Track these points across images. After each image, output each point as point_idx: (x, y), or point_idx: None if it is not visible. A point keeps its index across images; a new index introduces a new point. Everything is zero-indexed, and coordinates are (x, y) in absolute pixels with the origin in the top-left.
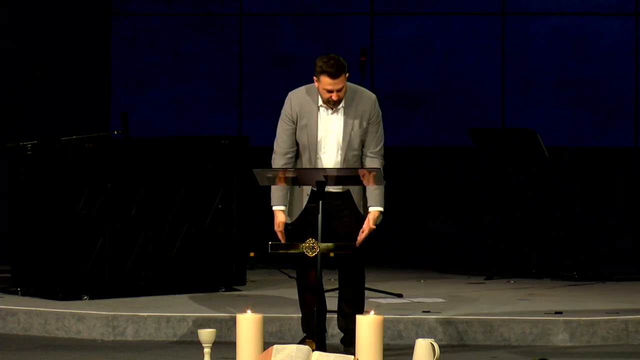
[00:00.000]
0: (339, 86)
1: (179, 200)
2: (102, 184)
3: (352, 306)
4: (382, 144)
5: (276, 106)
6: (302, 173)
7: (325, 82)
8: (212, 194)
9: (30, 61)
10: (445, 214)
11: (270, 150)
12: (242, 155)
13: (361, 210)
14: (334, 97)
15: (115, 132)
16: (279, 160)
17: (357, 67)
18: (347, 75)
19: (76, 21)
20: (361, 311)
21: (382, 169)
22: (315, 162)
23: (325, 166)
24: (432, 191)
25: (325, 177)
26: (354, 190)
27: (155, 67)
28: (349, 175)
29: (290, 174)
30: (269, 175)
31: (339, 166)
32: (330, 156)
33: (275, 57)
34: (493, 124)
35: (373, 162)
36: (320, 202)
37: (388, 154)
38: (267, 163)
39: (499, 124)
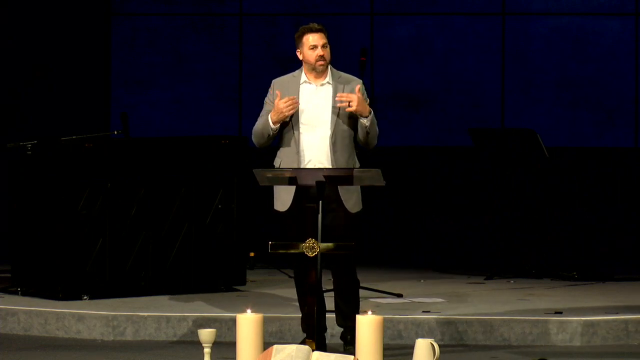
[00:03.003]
0: (323, 41)
1: (179, 200)
2: (102, 184)
3: (348, 303)
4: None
5: None
6: (301, 173)
7: (309, 39)
8: (212, 194)
9: (30, 61)
10: (445, 214)
11: (270, 150)
12: (242, 155)
13: (348, 207)
14: (321, 52)
15: (115, 132)
16: (255, 125)
17: (357, 67)
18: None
19: (76, 21)
20: (357, 307)
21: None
22: (299, 138)
23: (311, 142)
24: (432, 191)
25: (325, 177)
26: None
27: (155, 67)
28: (347, 175)
29: (289, 174)
30: (269, 175)
31: (327, 142)
32: (318, 131)
33: (275, 57)
34: (493, 124)
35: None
36: (320, 202)
37: (388, 154)
38: (267, 163)
39: (499, 124)
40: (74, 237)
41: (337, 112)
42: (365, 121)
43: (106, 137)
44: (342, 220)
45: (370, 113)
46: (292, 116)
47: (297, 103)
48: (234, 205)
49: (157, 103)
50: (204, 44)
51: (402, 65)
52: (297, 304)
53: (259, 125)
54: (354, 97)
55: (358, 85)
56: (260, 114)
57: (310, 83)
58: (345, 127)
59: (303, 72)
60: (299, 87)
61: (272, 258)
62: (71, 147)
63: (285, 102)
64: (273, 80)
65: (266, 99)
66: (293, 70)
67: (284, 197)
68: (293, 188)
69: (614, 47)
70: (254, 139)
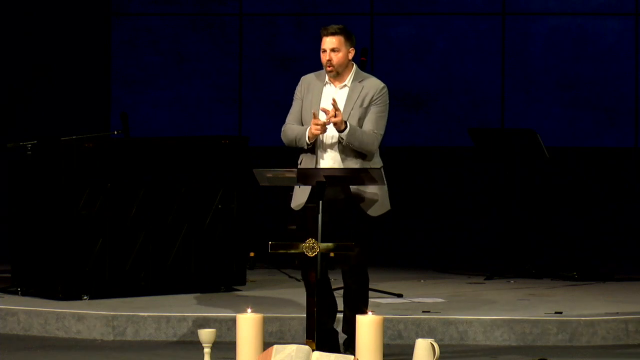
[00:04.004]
0: (333, 45)
1: (179, 200)
2: (102, 184)
3: (353, 309)
4: (380, 129)
5: (276, 106)
6: (302, 173)
7: (323, 42)
8: (212, 194)
9: (31, 61)
10: (446, 214)
11: (270, 150)
12: (242, 155)
13: (369, 211)
14: (327, 56)
15: (115, 132)
16: (289, 127)
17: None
18: (351, 48)
19: (77, 21)
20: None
21: (377, 149)
22: (317, 141)
23: (324, 145)
24: (432, 191)
25: (326, 177)
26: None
27: (155, 67)
28: (347, 175)
29: (290, 174)
30: (269, 175)
31: (336, 146)
32: (330, 134)
33: (275, 57)
34: (493, 124)
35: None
36: (321, 202)
37: (388, 154)
38: (267, 163)
39: (499, 124)
40: (74, 237)
41: (347, 115)
42: (341, 135)
43: (106, 137)
44: (354, 222)
45: (345, 127)
46: (311, 114)
47: (325, 128)
48: (234, 205)
49: (157, 103)
50: (204, 44)
51: (402, 65)
52: (298, 303)
53: (294, 131)
54: (339, 116)
55: (333, 98)
56: (290, 111)
57: (331, 85)
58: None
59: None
60: (322, 88)
61: (272, 258)
62: (71, 147)
63: (316, 124)
64: (302, 77)
65: (295, 95)
66: (293, 70)
67: (299, 196)
68: (309, 188)
69: (614, 47)
70: (283, 138)
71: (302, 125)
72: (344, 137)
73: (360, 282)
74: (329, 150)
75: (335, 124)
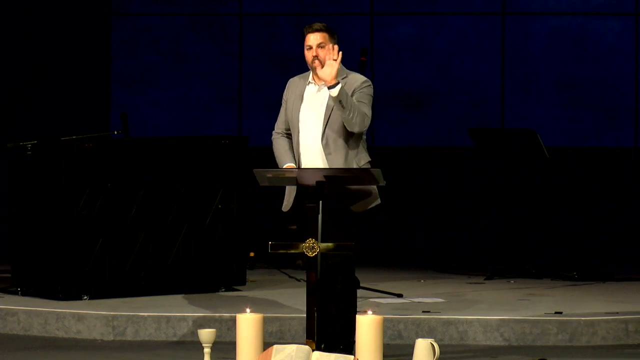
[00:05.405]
0: (318, 41)
1: (179, 200)
2: (102, 184)
3: (342, 310)
4: (368, 113)
5: (276, 106)
6: (302, 173)
7: (308, 39)
8: (212, 194)
9: (31, 61)
10: (446, 214)
11: (270, 150)
12: (242, 155)
13: (353, 207)
14: (314, 52)
15: (115, 132)
16: (277, 137)
17: (357, 67)
18: (334, 44)
19: (77, 21)
20: (352, 312)
21: (366, 118)
22: (298, 139)
23: (305, 143)
24: (432, 191)
25: (326, 177)
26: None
27: (155, 67)
28: (347, 175)
29: (290, 174)
30: (269, 175)
31: (319, 143)
32: (311, 132)
33: (275, 57)
34: (493, 124)
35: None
36: (321, 202)
37: (388, 154)
38: (267, 163)
39: (499, 124)
40: (74, 237)
41: (329, 113)
42: (331, 91)
43: (106, 137)
44: (337, 219)
45: (336, 83)
46: (293, 115)
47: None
48: (234, 205)
49: (157, 103)
50: (204, 44)
51: (402, 65)
52: (297, 303)
53: (277, 152)
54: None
55: (339, 52)
56: (279, 115)
57: (314, 84)
58: (338, 126)
59: (311, 73)
60: (304, 87)
61: (272, 258)
62: (71, 147)
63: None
64: (289, 80)
65: (283, 99)
66: (293, 70)
67: (288, 198)
68: (294, 189)
69: (614, 47)
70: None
71: (289, 127)
72: (335, 93)
73: (345, 282)
74: (312, 149)
75: (326, 69)
